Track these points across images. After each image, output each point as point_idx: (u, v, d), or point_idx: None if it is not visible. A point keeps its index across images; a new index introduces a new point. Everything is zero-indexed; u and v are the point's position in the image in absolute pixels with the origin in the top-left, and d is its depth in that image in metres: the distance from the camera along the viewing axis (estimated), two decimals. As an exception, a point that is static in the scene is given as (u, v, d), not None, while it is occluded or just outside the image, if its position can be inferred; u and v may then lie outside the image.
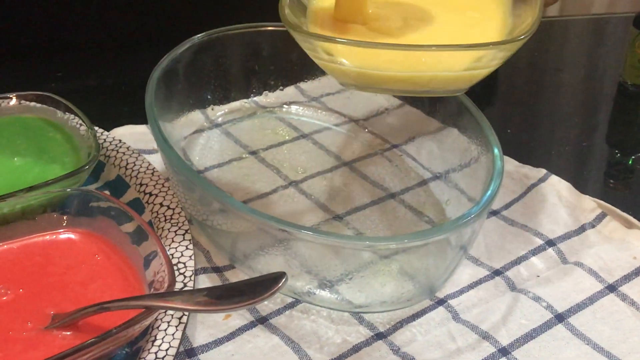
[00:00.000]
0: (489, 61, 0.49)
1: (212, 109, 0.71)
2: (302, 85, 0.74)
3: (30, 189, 0.54)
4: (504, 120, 0.78)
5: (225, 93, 0.71)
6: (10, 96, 0.63)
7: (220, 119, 0.71)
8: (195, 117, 0.70)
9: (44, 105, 0.63)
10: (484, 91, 0.84)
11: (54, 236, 0.53)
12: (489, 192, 0.53)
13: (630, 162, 0.74)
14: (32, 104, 0.64)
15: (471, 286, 0.56)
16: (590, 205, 0.63)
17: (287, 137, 0.70)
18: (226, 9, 0.79)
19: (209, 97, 0.70)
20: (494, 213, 0.62)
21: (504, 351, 0.51)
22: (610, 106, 0.83)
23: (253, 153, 0.68)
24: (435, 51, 0.49)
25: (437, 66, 0.49)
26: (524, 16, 0.52)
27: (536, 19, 0.50)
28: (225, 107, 0.72)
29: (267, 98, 0.73)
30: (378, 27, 0.52)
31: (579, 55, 0.95)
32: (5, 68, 0.78)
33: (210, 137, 0.70)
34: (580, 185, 0.65)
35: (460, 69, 0.50)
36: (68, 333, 0.47)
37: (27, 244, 0.53)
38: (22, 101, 0.64)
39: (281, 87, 0.73)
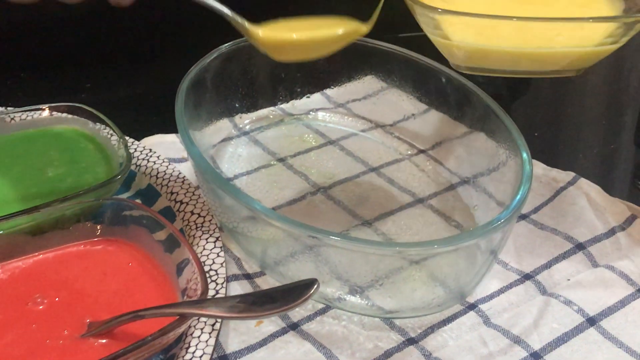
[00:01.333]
0: (620, 37, 0.49)
1: (240, 117, 0.72)
2: (328, 91, 0.74)
3: (64, 199, 0.54)
4: (531, 123, 0.78)
5: (252, 101, 0.72)
6: (43, 108, 0.64)
7: (248, 127, 0.72)
8: (224, 125, 0.71)
9: (76, 116, 0.64)
10: (510, 94, 0.84)
11: (88, 245, 0.54)
12: (519, 196, 0.53)
13: (659, 164, 0.74)
14: (64, 115, 0.64)
15: (501, 290, 0.56)
16: (619, 208, 0.62)
17: (314, 144, 0.71)
18: (253, 18, 0.80)
19: (236, 105, 0.71)
20: (523, 217, 0.62)
21: (535, 355, 0.51)
22: (638, 107, 0.83)
23: (281, 160, 0.69)
24: (581, 22, 0.48)
25: (570, 42, 0.48)
26: None
27: None
28: (253, 115, 0.73)
29: (294, 105, 0.74)
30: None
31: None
32: (35, 80, 0.79)
33: (239, 145, 0.70)
34: (609, 187, 0.65)
35: (591, 44, 0.49)
36: (104, 341, 0.48)
37: (62, 254, 0.54)
38: (54, 112, 0.64)
39: (308, 94, 0.74)
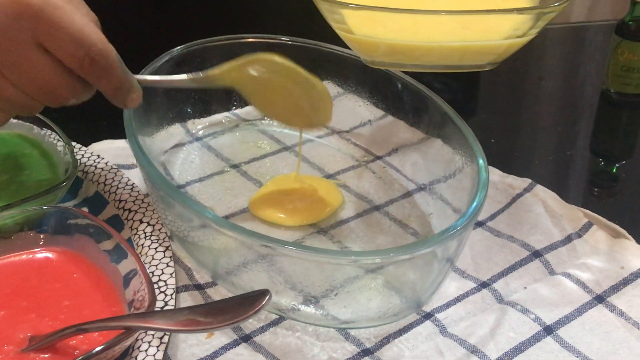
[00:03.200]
0: (528, 29, 0.48)
1: (193, 123, 0.70)
2: (284, 97, 0.73)
3: (6, 207, 0.52)
4: (487, 130, 0.77)
5: (205, 106, 0.70)
6: (-15, 112, 0.62)
7: (201, 132, 0.70)
8: (176, 130, 0.69)
9: (20, 121, 0.62)
10: (467, 101, 0.84)
11: (31, 255, 0.52)
12: (475, 203, 0.52)
13: (614, 170, 0.74)
14: (8, 119, 0.62)
15: (458, 299, 0.55)
16: (576, 215, 0.62)
17: (269, 150, 0.69)
18: (205, 20, 0.78)
19: (189, 110, 0.69)
20: (480, 224, 0.62)
21: (492, 365, 0.50)
22: (594, 114, 0.83)
23: (235, 166, 0.67)
24: (483, 15, 0.47)
25: (476, 35, 0.47)
26: None
27: None
28: (206, 120, 0.71)
29: (249, 110, 0.72)
30: None
31: (560, 64, 0.95)
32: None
33: (191, 151, 0.69)
34: (565, 194, 0.65)
35: (500, 37, 0.48)
36: (45, 355, 0.46)
37: (2, 264, 0.51)
38: (-3, 117, 0.62)
39: (263, 100, 0.72)
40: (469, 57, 0.50)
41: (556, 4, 0.47)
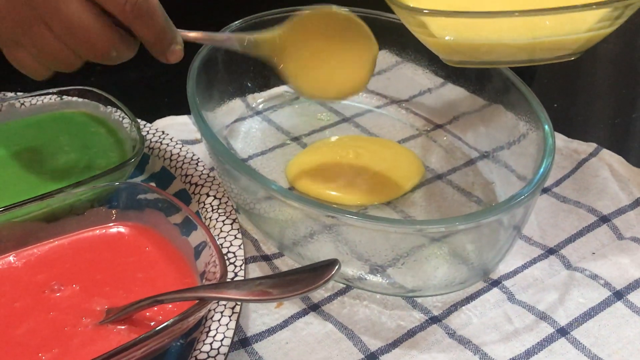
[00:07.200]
0: (614, 20, 0.47)
1: (253, 97, 0.71)
2: (342, 68, 0.73)
3: (78, 184, 0.54)
4: (549, 94, 0.76)
5: (264, 80, 0.70)
6: (53, 92, 0.64)
7: (261, 106, 0.71)
8: (236, 105, 0.69)
9: (86, 100, 0.63)
10: (525, 66, 0.83)
11: (104, 230, 0.53)
12: (542, 169, 0.51)
13: (681, 133, 0.72)
14: (75, 99, 0.64)
15: (525, 266, 0.55)
16: (644, 179, 0.61)
17: (328, 122, 0.70)
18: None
19: (248, 84, 0.70)
20: (545, 190, 0.61)
21: (562, 331, 0.50)
22: (658, 75, 0.81)
23: (295, 139, 0.68)
24: (565, 12, 0.46)
25: (558, 30, 0.46)
26: None
27: None
28: (266, 94, 0.71)
29: (308, 83, 0.72)
30: None
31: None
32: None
33: (252, 124, 0.69)
34: (632, 157, 0.64)
35: (583, 30, 0.47)
36: (123, 327, 0.47)
37: (77, 239, 0.53)
38: (65, 96, 0.64)
39: (321, 71, 0.72)
40: (552, 51, 0.49)
41: None
